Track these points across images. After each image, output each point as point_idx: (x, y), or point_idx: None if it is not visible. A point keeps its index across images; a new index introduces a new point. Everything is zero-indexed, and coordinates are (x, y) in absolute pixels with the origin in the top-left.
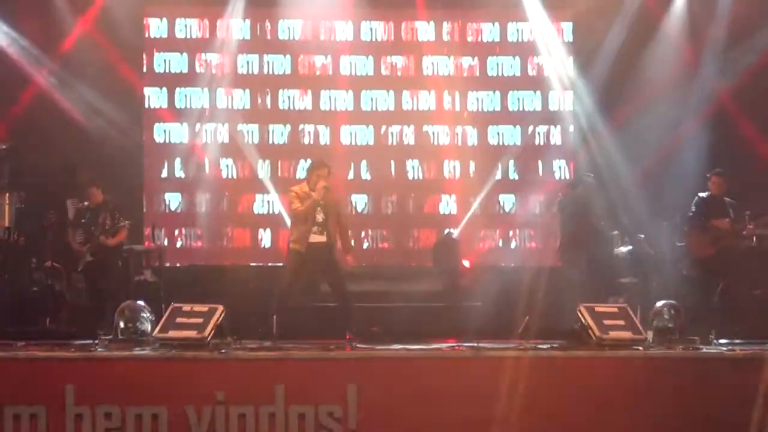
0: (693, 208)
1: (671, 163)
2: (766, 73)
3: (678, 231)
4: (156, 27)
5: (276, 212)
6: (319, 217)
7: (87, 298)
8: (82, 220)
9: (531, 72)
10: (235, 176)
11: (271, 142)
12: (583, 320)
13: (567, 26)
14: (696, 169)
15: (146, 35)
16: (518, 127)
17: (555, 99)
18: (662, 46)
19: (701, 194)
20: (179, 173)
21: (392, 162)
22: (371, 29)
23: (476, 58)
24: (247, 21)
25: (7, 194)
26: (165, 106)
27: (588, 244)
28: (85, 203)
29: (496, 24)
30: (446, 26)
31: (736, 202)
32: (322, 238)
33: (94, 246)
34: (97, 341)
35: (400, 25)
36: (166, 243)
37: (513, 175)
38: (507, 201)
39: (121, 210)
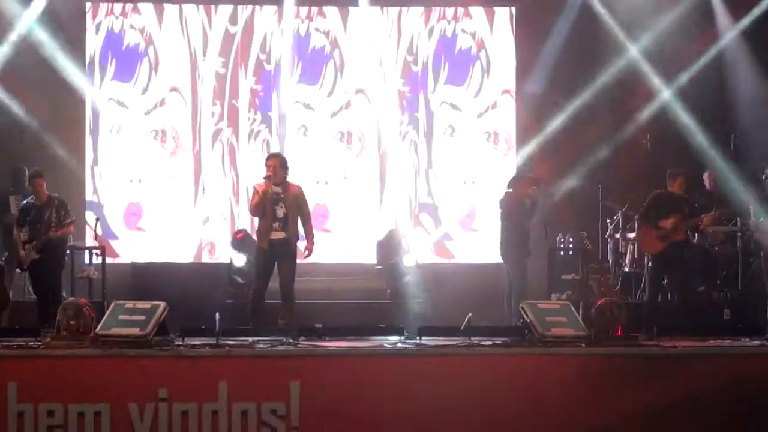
0: (645, 204)
1: (615, 160)
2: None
3: (621, 228)
4: (99, 21)
5: (219, 209)
6: (280, 212)
7: (33, 296)
8: (28, 218)
9: (475, 61)
10: (178, 173)
11: (215, 138)
12: (525, 317)
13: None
14: (639, 168)
15: (89, 26)
16: (463, 120)
17: (500, 92)
18: (607, 41)
19: (657, 191)
20: (122, 169)
21: (337, 156)
22: (309, 18)
23: (418, 49)
24: (194, 8)
25: None
26: (108, 99)
27: (523, 242)
28: (30, 200)
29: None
30: (385, 16)
31: (691, 198)
32: (282, 234)
33: (40, 243)
34: (39, 339)
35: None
36: (108, 239)
37: (457, 172)
38: (452, 198)
39: (66, 206)
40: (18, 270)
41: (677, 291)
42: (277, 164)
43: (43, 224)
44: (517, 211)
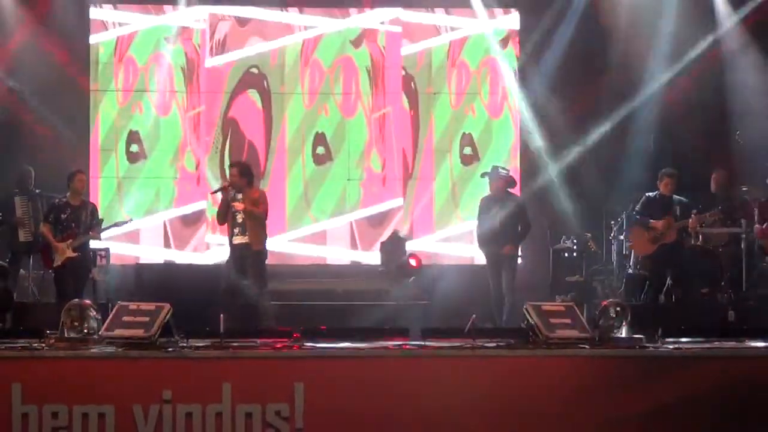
0: (638, 207)
1: (619, 161)
2: (711, 72)
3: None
4: (102, 20)
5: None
6: (239, 218)
7: (38, 297)
8: (63, 215)
9: (477, 66)
10: (180, 174)
11: (220, 138)
12: (529, 319)
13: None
14: (644, 169)
15: (92, 28)
16: (466, 124)
17: (501, 95)
18: (612, 42)
19: (649, 193)
20: (125, 170)
21: (341, 158)
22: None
23: (419, 50)
24: (194, 9)
25: None
26: (112, 101)
27: (489, 242)
28: (63, 198)
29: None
30: (385, 15)
31: (686, 200)
32: (244, 239)
33: (77, 243)
34: (43, 340)
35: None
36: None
37: (460, 173)
38: (455, 198)
39: (97, 211)
40: (48, 269)
41: (674, 292)
42: (235, 173)
43: (81, 224)
44: (483, 209)
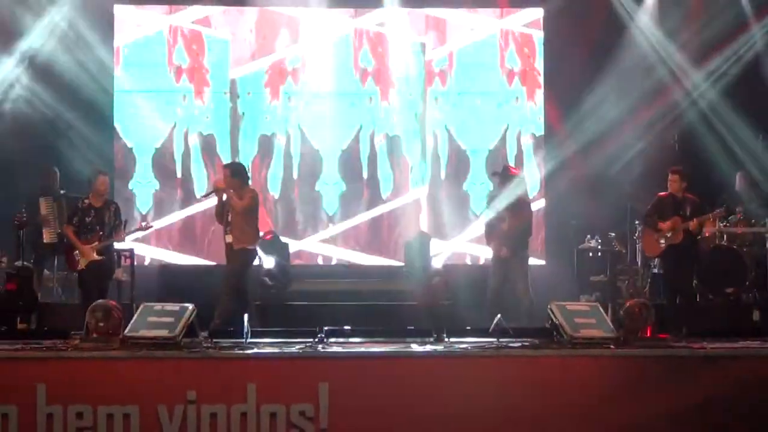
0: (648, 207)
1: (644, 161)
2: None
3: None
4: (126, 20)
5: None
6: (229, 217)
7: (63, 297)
8: (87, 218)
9: (501, 66)
10: (206, 175)
11: (242, 141)
12: (554, 318)
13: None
14: (667, 168)
15: (117, 28)
16: (491, 122)
17: (526, 93)
18: (634, 43)
19: (660, 193)
20: (150, 172)
21: (365, 160)
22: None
23: (446, 53)
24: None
25: None
26: (136, 104)
27: (491, 239)
28: (86, 200)
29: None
30: (410, 18)
31: (697, 200)
32: (229, 238)
33: (102, 245)
34: (68, 340)
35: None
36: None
37: (483, 173)
38: (479, 200)
39: (120, 211)
40: (72, 270)
41: (682, 293)
42: (228, 174)
43: (105, 226)
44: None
